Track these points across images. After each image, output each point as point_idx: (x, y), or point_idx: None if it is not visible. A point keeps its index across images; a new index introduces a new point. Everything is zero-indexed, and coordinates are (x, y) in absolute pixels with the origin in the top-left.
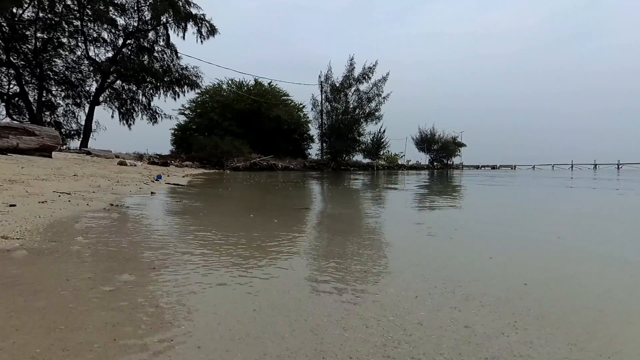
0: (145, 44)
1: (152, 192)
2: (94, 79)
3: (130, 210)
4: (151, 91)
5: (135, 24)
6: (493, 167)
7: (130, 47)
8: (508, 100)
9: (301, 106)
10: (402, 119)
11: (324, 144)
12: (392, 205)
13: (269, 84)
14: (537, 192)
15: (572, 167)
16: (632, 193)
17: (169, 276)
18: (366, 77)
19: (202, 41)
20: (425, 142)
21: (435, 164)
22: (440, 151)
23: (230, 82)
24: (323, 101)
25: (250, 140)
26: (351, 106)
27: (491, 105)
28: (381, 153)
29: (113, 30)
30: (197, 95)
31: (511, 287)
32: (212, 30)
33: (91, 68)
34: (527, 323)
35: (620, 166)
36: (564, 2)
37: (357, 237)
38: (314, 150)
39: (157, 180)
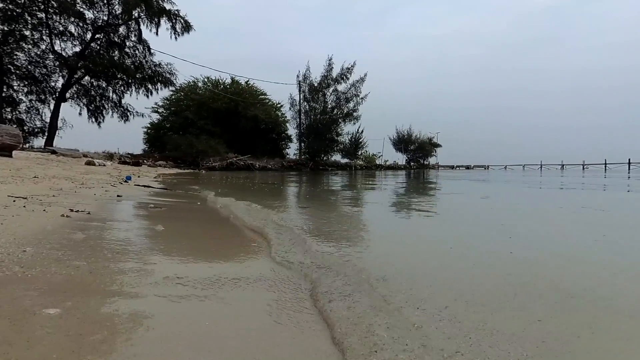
0: (116, 39)
1: (118, 196)
2: (60, 74)
3: (90, 222)
4: (122, 88)
5: (105, 18)
6: (467, 167)
7: (99, 42)
8: (481, 100)
9: (279, 106)
10: (380, 120)
11: (302, 144)
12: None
13: (246, 82)
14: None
15: (541, 167)
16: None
17: None
18: (344, 77)
19: (176, 37)
20: (403, 142)
21: (412, 164)
22: (417, 151)
23: (206, 80)
24: (301, 101)
25: (226, 140)
26: (329, 106)
27: (465, 105)
28: (359, 153)
29: (81, 24)
30: (172, 93)
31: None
32: (187, 27)
33: (57, 63)
34: None
35: (585, 166)
36: (532, 7)
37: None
38: (292, 150)
39: (126, 181)
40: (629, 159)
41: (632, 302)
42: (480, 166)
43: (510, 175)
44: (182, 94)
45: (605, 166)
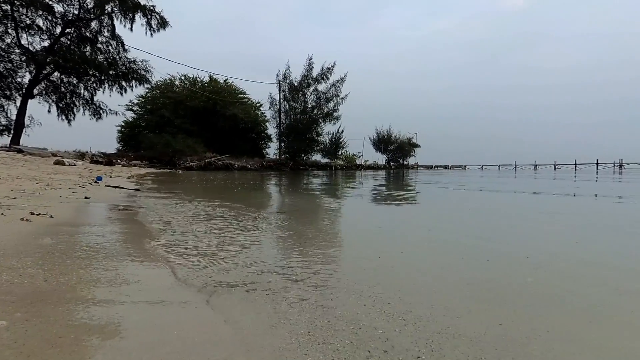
0: (88, 34)
1: (86, 197)
2: (27, 69)
3: (52, 227)
4: (94, 85)
5: (76, 12)
6: (445, 167)
7: (70, 37)
8: (459, 101)
9: (259, 105)
10: (360, 120)
11: (282, 144)
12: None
13: (225, 81)
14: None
15: (515, 167)
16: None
17: None
18: (325, 77)
19: (151, 34)
20: (382, 142)
21: (391, 164)
22: (396, 152)
23: (183, 77)
24: (281, 100)
25: (204, 139)
26: (309, 106)
27: (443, 105)
28: (339, 153)
29: (50, 18)
30: (147, 91)
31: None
32: (163, 23)
33: (23, 58)
34: None
35: (556, 167)
36: (506, 11)
37: None
38: (272, 150)
39: (96, 182)
40: (597, 160)
41: (590, 305)
42: (457, 166)
43: (483, 181)
44: (158, 91)
45: (576, 167)
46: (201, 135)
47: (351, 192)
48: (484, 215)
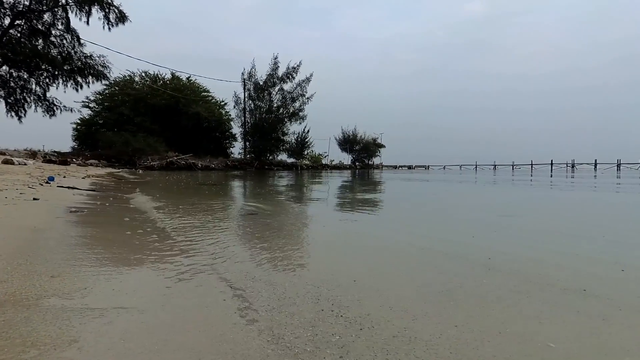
0: (40, 27)
1: (34, 199)
2: None
3: None
4: (47, 80)
5: (27, 3)
6: (409, 167)
7: (20, 29)
8: (421, 102)
9: (223, 103)
10: (326, 120)
11: (247, 143)
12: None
13: (188, 78)
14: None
15: (476, 168)
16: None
17: None
18: (290, 76)
19: (109, 28)
20: (348, 142)
21: (357, 164)
22: (361, 152)
23: (143, 74)
24: (246, 99)
25: (166, 138)
26: (275, 105)
27: (405, 107)
28: (305, 153)
29: None
30: (105, 87)
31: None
32: (122, 17)
33: None
34: None
35: (514, 167)
36: (466, 17)
37: None
38: (237, 149)
39: (48, 182)
40: (552, 160)
41: (540, 306)
42: (421, 166)
43: (442, 186)
44: (117, 88)
45: (532, 167)
46: (163, 134)
47: (316, 195)
48: (438, 215)
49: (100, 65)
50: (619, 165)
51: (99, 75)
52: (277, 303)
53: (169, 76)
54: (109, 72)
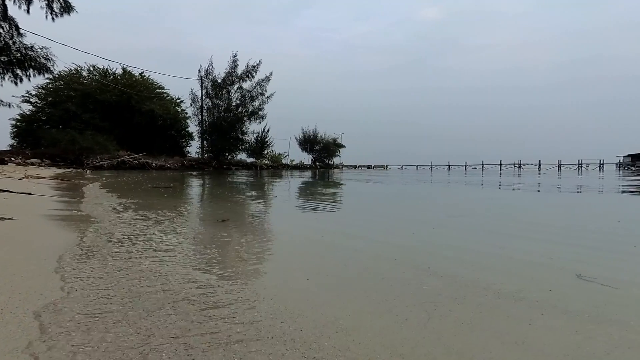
0: None
1: None
2: None
3: None
4: None
5: None
6: (369, 167)
7: None
8: (382, 102)
9: (179, 101)
10: (286, 119)
11: (205, 142)
12: None
13: (141, 74)
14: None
15: (431, 167)
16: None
17: None
18: (250, 75)
19: (53, 18)
20: (308, 142)
21: (317, 164)
22: (322, 151)
23: (92, 68)
24: (204, 97)
25: (118, 136)
26: (234, 104)
27: (365, 107)
28: (265, 152)
29: None
30: (49, 81)
31: None
32: (67, 7)
33: None
34: None
35: (467, 167)
36: (424, 21)
37: None
38: (194, 149)
39: None
40: (500, 161)
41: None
42: (379, 166)
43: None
44: (62, 82)
45: (483, 167)
46: (114, 132)
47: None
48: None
49: (43, 57)
50: (559, 166)
51: (41, 68)
52: None
53: (120, 71)
54: (52, 65)
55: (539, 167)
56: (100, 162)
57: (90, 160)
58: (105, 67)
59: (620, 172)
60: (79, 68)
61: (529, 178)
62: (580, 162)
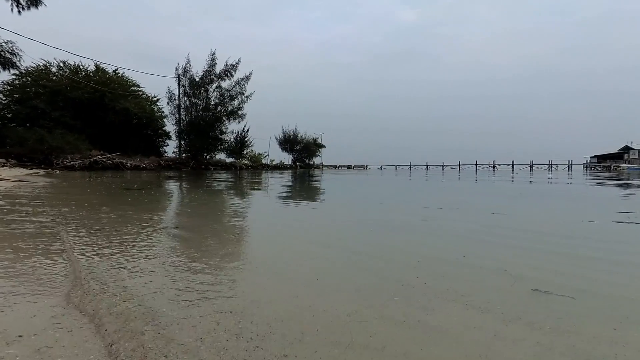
0: None
1: None
2: None
3: None
4: None
5: None
6: (349, 167)
7: None
8: (361, 104)
9: (155, 99)
10: (266, 119)
11: (183, 142)
12: None
13: (115, 71)
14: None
15: (410, 167)
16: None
17: None
18: (228, 74)
19: (19, 11)
20: (288, 142)
21: (297, 164)
22: (302, 152)
23: (62, 64)
24: (181, 95)
25: (90, 135)
26: (212, 103)
27: (346, 106)
28: (245, 152)
29: None
30: (15, 77)
31: None
32: (35, 0)
33: None
34: None
35: (444, 167)
36: (400, 24)
37: None
38: (171, 148)
39: None
40: (476, 161)
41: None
42: (359, 166)
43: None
44: (30, 79)
45: (459, 167)
46: (86, 131)
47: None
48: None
49: (8, 52)
50: (531, 166)
51: (6, 64)
52: None
53: (92, 68)
54: (19, 60)
55: (512, 167)
56: (71, 162)
57: (61, 160)
58: (76, 64)
59: (587, 171)
60: (48, 64)
61: (508, 179)
62: (550, 163)
